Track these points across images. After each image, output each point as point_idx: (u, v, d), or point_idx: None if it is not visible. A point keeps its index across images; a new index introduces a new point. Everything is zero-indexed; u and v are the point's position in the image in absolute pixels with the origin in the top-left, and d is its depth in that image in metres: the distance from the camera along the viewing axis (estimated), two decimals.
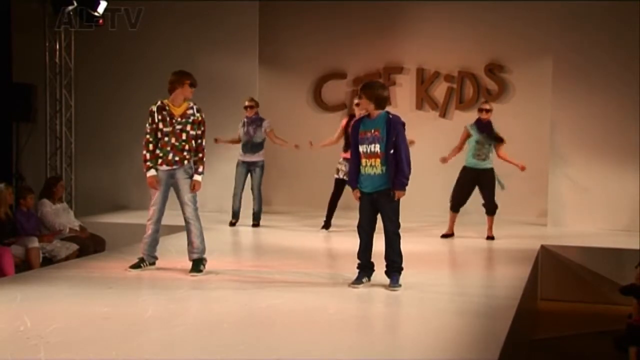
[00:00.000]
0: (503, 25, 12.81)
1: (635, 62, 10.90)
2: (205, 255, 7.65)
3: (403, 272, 6.96)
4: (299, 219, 12.17)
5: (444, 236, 10.19)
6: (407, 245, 9.62)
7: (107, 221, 11.73)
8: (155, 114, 7.58)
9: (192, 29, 12.73)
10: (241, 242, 10.60)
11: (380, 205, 6.90)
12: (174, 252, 8.57)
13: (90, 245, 9.91)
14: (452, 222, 10.29)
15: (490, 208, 10.10)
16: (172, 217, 8.28)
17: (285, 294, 6.67)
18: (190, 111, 7.60)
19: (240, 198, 11.05)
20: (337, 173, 10.68)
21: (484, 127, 10.05)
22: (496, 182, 10.07)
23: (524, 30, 12.69)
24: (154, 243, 7.71)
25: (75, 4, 11.82)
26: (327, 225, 10.86)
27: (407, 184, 6.89)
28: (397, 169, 6.79)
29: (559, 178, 11.50)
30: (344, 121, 10.72)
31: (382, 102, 6.95)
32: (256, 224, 11.11)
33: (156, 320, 5.90)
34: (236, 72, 12.28)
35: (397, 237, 6.96)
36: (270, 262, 8.35)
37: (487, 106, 10.16)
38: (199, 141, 7.58)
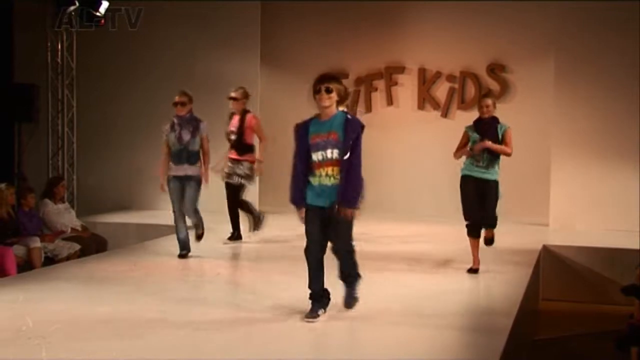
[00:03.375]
0: (505, 25, 12.79)
1: (637, 62, 10.89)
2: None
3: (403, 275, 6.89)
4: None
5: (471, 271, 7.96)
6: (407, 246, 9.70)
7: (109, 221, 11.73)
8: None
9: (193, 29, 12.73)
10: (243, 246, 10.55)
11: (334, 222, 5.77)
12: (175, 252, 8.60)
13: (92, 245, 9.92)
14: (475, 250, 8.04)
15: (488, 223, 8.14)
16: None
17: (285, 298, 6.67)
18: None
19: (184, 219, 8.68)
20: (229, 177, 9.58)
21: (482, 127, 8.11)
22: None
23: (526, 30, 12.66)
24: None
25: (77, 4, 11.81)
26: (238, 235, 9.69)
27: (359, 202, 5.81)
28: (348, 180, 5.72)
29: (561, 178, 11.49)
30: (236, 119, 9.64)
31: (343, 99, 6.02)
32: (199, 233, 8.80)
33: (158, 321, 5.89)
34: (238, 72, 12.26)
35: (353, 254, 6.01)
36: (270, 265, 8.36)
37: (484, 102, 8.24)
38: None
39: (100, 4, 11.90)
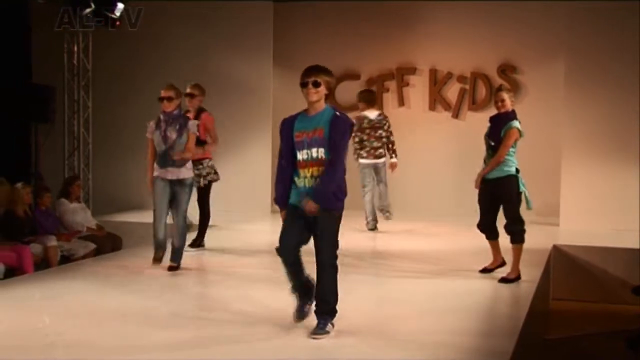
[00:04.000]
0: (515, 26, 12.77)
1: None
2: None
3: (414, 274, 6.77)
4: None
5: (484, 270, 7.70)
6: (417, 245, 9.68)
7: (124, 220, 11.76)
8: None
9: (206, 30, 12.75)
10: (254, 242, 10.53)
11: (318, 227, 5.23)
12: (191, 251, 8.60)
13: (107, 244, 9.94)
14: (493, 250, 7.69)
15: (510, 229, 7.38)
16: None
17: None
18: None
19: (166, 225, 7.67)
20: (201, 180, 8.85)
21: (492, 124, 7.54)
22: (523, 197, 7.47)
23: (536, 31, 12.63)
24: None
25: (93, 6, 11.84)
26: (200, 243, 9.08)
27: (331, 203, 5.24)
28: (324, 177, 5.23)
29: (571, 178, 11.44)
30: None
31: (330, 94, 5.47)
32: (175, 265, 7.64)
33: (172, 317, 5.90)
34: (251, 73, 12.29)
35: (334, 269, 5.30)
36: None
37: (498, 96, 7.52)
38: None
39: (116, 5, 11.92)
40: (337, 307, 5.36)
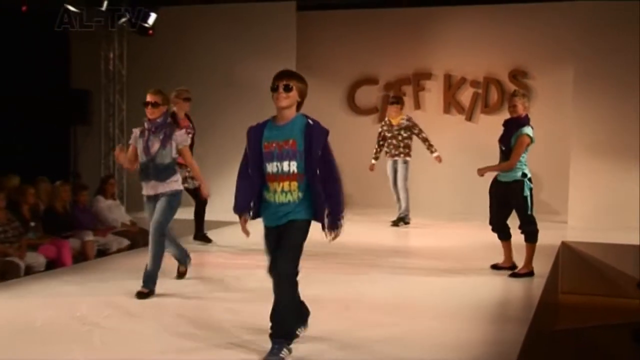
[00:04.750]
0: (526, 34, 12.69)
1: None
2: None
3: (429, 269, 6.67)
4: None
5: (494, 267, 7.60)
6: (432, 242, 9.65)
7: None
8: None
9: (234, 37, 12.75)
10: None
11: (282, 236, 4.57)
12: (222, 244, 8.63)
13: (140, 240, 9.98)
14: (505, 250, 7.57)
15: (523, 230, 7.36)
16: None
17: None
18: None
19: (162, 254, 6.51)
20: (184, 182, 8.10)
21: (505, 126, 7.39)
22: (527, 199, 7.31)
23: (546, 38, 12.55)
24: None
25: (128, 16, 11.91)
26: (204, 237, 9.08)
27: (342, 224, 4.59)
28: (330, 199, 4.57)
29: (579, 178, 11.36)
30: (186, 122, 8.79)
31: (302, 103, 4.77)
32: (146, 292, 6.23)
33: (200, 309, 5.92)
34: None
35: (291, 286, 4.55)
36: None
37: (511, 101, 7.34)
38: None
39: (149, 15, 11.98)
40: (298, 330, 4.74)
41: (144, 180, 6.36)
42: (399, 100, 11.08)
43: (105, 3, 10.85)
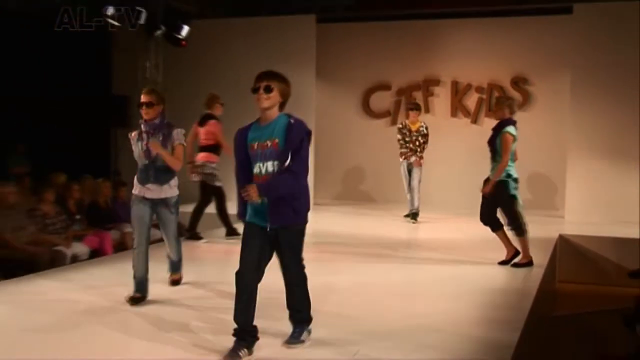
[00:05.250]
0: (526, 43, 12.61)
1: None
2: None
3: (438, 259, 6.72)
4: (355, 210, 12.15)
5: (502, 263, 7.37)
6: (439, 236, 9.62)
7: (187, 210, 11.80)
8: None
9: (260, 48, 12.71)
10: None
11: (280, 244, 4.32)
12: None
13: None
14: (503, 242, 7.42)
15: (511, 227, 7.31)
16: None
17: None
18: None
19: (147, 256, 5.74)
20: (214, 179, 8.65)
21: (493, 130, 7.37)
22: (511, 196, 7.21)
23: (545, 47, 12.46)
24: None
25: (163, 29, 11.96)
26: (233, 231, 8.80)
27: (292, 217, 4.26)
28: (276, 179, 4.20)
29: (575, 176, 11.31)
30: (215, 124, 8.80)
31: (285, 103, 4.41)
32: (176, 279, 6.25)
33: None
34: (296, 84, 12.18)
35: (304, 279, 4.50)
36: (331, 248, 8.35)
37: (496, 107, 7.51)
38: None
39: (182, 28, 12.02)
40: (312, 314, 4.62)
41: (141, 183, 5.69)
42: (418, 107, 11.08)
43: (144, 17, 10.86)
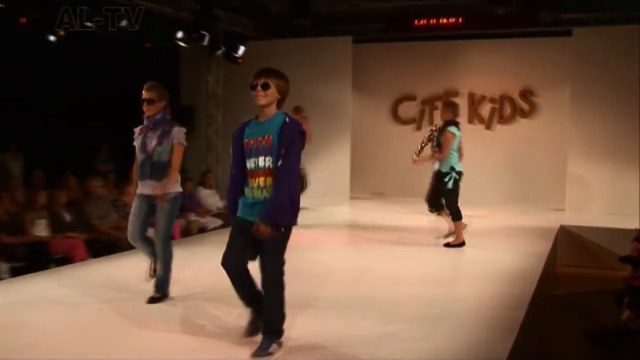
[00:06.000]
0: (533, 60, 12.54)
1: (635, 86, 10.57)
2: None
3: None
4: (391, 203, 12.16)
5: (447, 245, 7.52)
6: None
7: None
8: None
9: (303, 64, 12.58)
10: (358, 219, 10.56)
11: (264, 243, 3.71)
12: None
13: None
14: (446, 220, 7.82)
15: (449, 212, 7.57)
16: None
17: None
18: None
19: (150, 253, 5.19)
20: None
21: (439, 129, 7.81)
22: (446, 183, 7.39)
23: (549, 64, 12.38)
24: None
25: (223, 49, 12.15)
26: None
27: (284, 220, 3.67)
28: (275, 191, 3.68)
29: (575, 175, 11.25)
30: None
31: (284, 100, 3.90)
32: (158, 296, 5.05)
33: (294, 279, 4.78)
34: (336, 97, 12.32)
35: (280, 284, 3.77)
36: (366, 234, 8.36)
37: (442, 111, 7.90)
38: None
39: (239, 48, 12.19)
40: (284, 327, 3.86)
41: (140, 179, 5.00)
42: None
43: (207, 39, 11.06)
